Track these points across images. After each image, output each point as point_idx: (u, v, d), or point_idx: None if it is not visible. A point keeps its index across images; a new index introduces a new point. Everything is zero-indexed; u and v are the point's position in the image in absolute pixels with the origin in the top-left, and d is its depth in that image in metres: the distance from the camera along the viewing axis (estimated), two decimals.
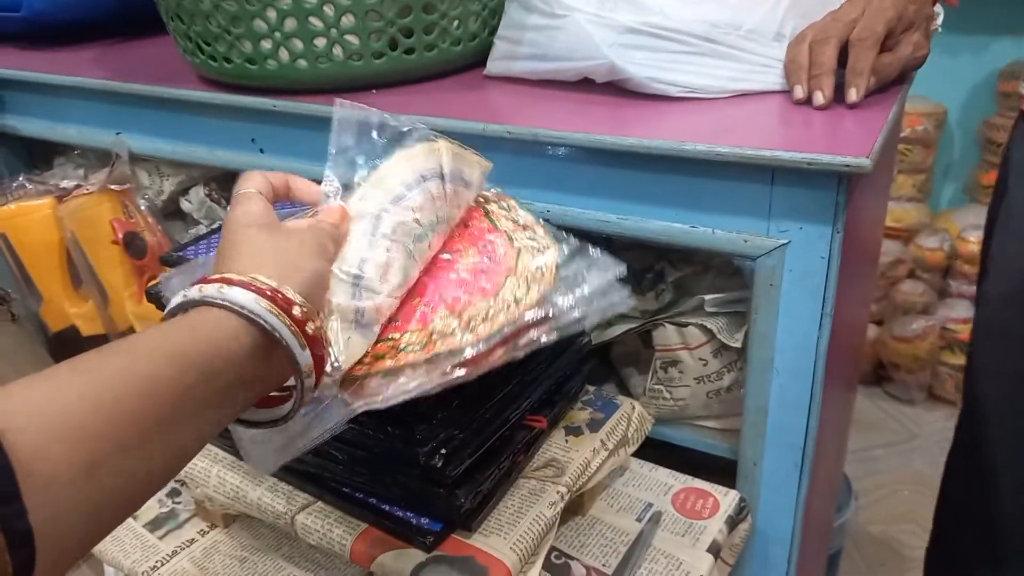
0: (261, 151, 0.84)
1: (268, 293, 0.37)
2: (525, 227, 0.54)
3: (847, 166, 0.54)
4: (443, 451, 0.49)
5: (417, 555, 0.52)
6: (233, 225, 0.42)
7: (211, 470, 0.62)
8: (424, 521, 0.53)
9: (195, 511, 0.71)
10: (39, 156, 1.14)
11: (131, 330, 1.05)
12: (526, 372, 0.57)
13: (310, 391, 0.40)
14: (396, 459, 0.51)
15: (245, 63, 0.75)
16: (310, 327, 0.39)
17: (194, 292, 0.38)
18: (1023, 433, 0.88)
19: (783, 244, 0.61)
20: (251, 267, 0.39)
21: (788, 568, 0.74)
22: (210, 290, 0.37)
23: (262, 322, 0.37)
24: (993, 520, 0.93)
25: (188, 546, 0.67)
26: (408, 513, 0.53)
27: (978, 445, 0.92)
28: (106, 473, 0.30)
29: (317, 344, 0.39)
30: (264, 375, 0.38)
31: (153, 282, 0.61)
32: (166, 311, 0.39)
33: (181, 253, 0.68)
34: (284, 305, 0.38)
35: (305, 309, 0.39)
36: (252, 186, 0.46)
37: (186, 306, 0.38)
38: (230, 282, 0.37)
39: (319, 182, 0.52)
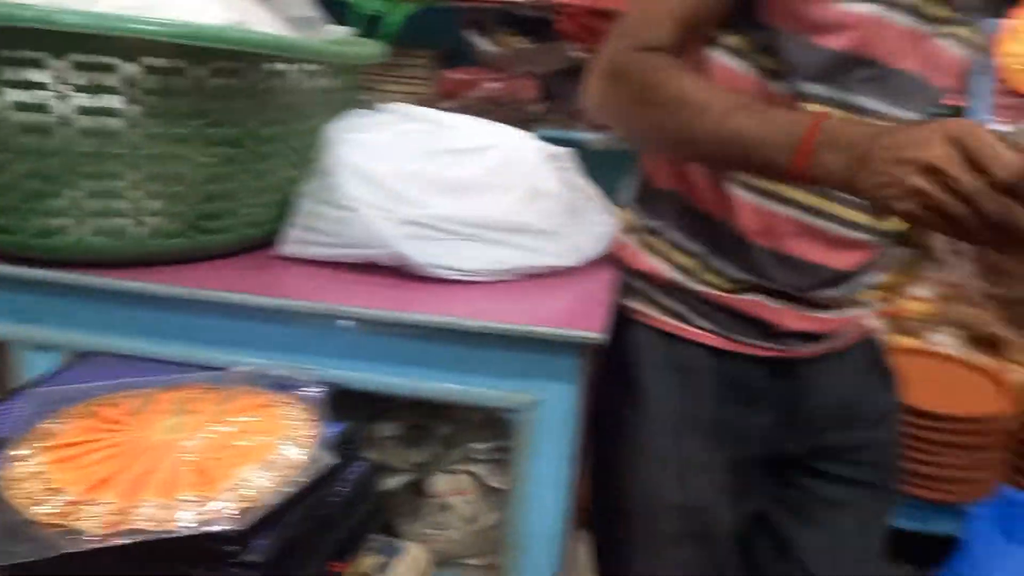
0: (29, 322, 0.83)
1: None
2: None
3: (589, 340, 0.73)
4: None
5: None
6: None
7: None
8: None
9: None
10: None
11: None
12: (328, 521, 0.64)
13: None
14: None
15: (35, 236, 0.77)
16: None
17: None
18: None
19: (538, 400, 0.77)
20: None
21: None
22: None
23: None
24: None
25: None
26: None
27: None
28: None
29: None
30: None
31: None
32: None
33: None
34: None
35: None
36: None
37: None
38: None
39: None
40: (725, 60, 0.83)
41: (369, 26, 1.60)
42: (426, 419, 0.88)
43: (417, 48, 1.81)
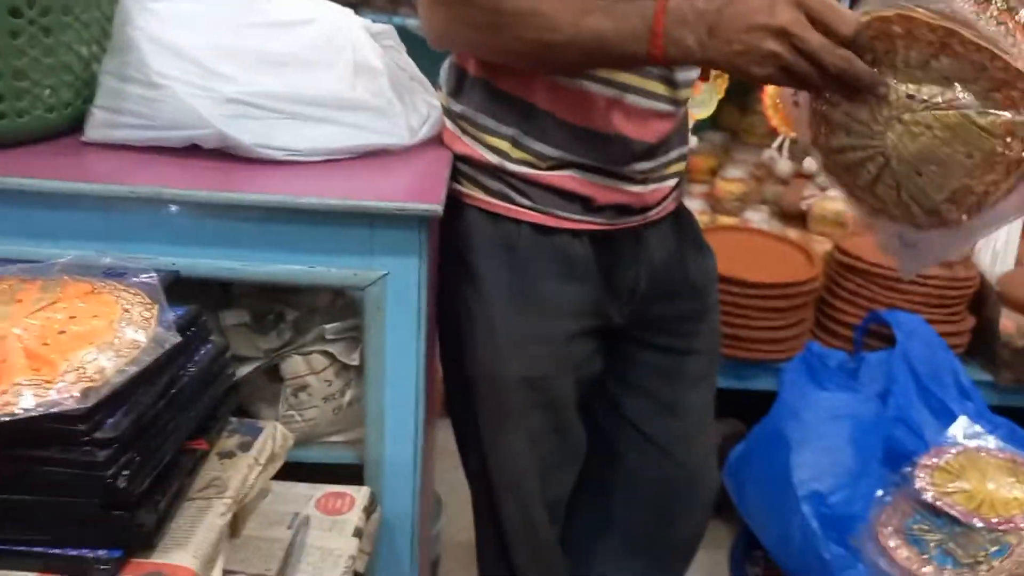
0: None
1: None
2: None
3: (428, 213, 0.73)
4: (124, 472, 0.53)
5: None
6: None
7: None
8: (100, 552, 0.55)
9: None
10: None
11: None
12: (180, 400, 0.62)
13: None
14: (71, 491, 0.53)
15: None
16: None
17: None
18: None
19: (384, 275, 0.77)
20: None
21: (411, 549, 0.89)
22: None
23: None
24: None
25: None
26: (82, 549, 0.55)
27: None
28: None
29: None
30: None
31: None
32: None
33: None
34: None
35: None
36: None
37: None
38: None
39: None
40: None
41: None
42: (273, 305, 0.85)
43: None
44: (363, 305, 0.78)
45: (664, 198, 0.97)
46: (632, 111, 0.86)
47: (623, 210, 0.92)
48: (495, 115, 0.87)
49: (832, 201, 1.99)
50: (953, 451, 1.38)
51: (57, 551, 0.55)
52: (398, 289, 0.77)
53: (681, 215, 1.05)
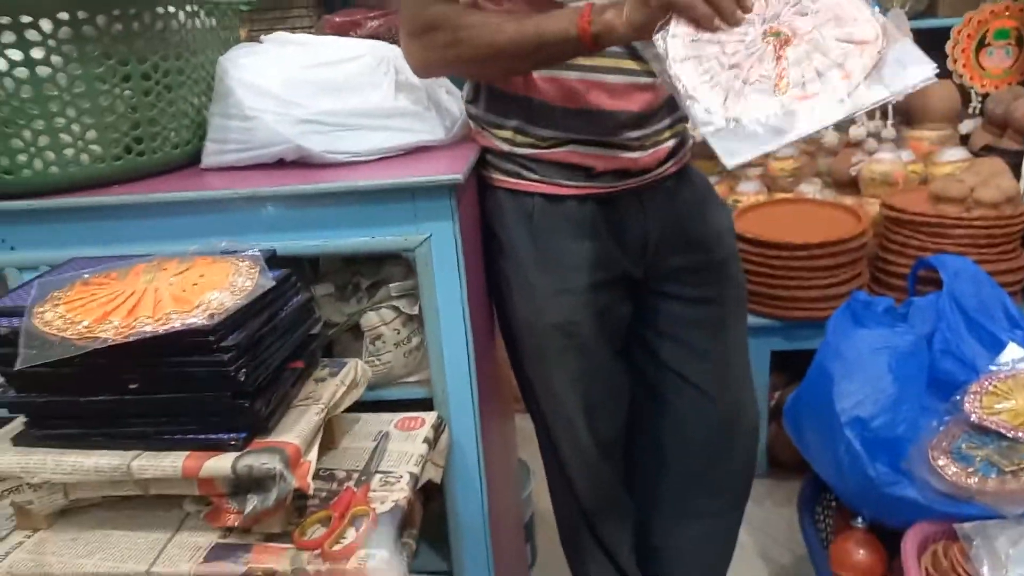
0: (12, 248, 1.01)
1: None
2: None
3: (453, 181, 0.94)
4: (244, 370, 0.75)
5: (233, 455, 0.76)
6: None
7: (46, 458, 0.79)
8: (232, 435, 0.77)
9: (15, 524, 0.84)
10: None
11: None
12: (279, 328, 0.85)
13: None
14: (207, 385, 0.76)
15: (2, 174, 0.95)
16: None
17: None
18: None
19: (428, 237, 0.98)
20: None
21: (478, 465, 1.08)
22: None
23: None
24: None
25: (17, 548, 0.81)
26: (219, 433, 0.78)
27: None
28: None
29: None
30: None
31: None
32: None
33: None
34: None
35: None
36: None
37: None
38: None
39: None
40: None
41: None
42: (351, 276, 1.08)
43: None
44: (415, 265, 0.99)
45: (663, 162, 1.14)
46: (613, 88, 1.03)
47: (622, 174, 1.09)
48: (499, 112, 1.07)
49: (879, 164, 2.07)
50: (1003, 375, 1.44)
51: (201, 436, 0.78)
52: (440, 248, 0.98)
53: (689, 174, 1.20)
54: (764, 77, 0.77)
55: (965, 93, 2.21)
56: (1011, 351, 1.52)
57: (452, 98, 1.18)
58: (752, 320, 1.85)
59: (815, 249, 1.84)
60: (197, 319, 0.74)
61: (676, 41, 0.81)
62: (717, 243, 1.20)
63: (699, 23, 0.80)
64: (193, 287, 0.80)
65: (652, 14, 0.82)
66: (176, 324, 0.74)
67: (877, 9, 0.81)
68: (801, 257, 1.85)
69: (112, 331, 0.73)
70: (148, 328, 0.73)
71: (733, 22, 0.80)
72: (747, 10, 0.80)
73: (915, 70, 0.75)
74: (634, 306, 1.21)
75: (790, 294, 1.87)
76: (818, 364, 1.51)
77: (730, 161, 0.73)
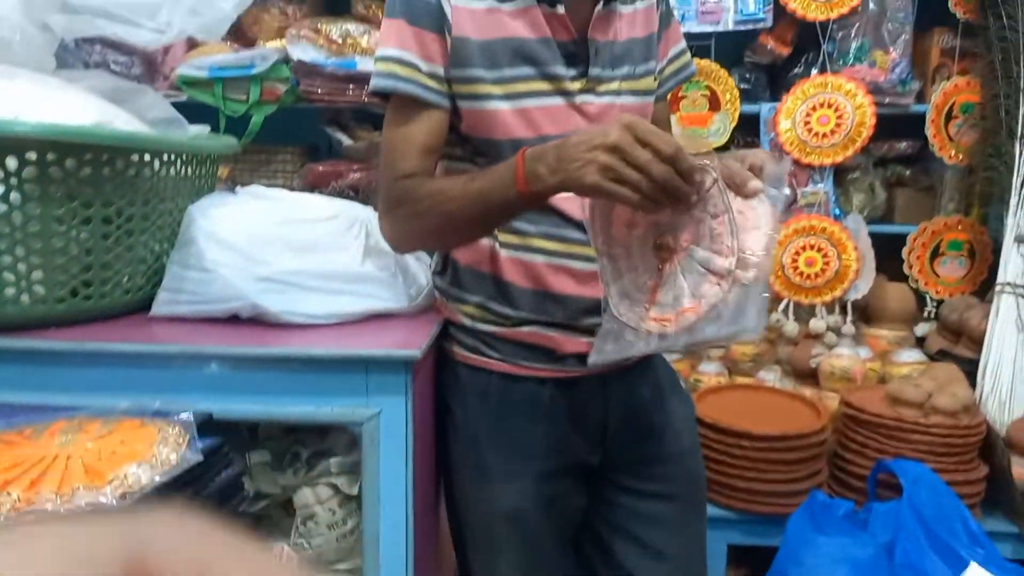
0: None
1: None
2: None
3: (410, 357, 0.90)
4: None
5: None
6: None
7: None
8: None
9: None
10: None
11: None
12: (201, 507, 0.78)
13: None
14: None
15: None
16: None
17: None
18: None
19: (377, 413, 0.93)
20: None
21: None
22: None
23: None
24: None
25: None
26: None
27: None
28: None
29: None
30: None
31: None
32: None
33: None
34: None
35: None
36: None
37: None
38: None
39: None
40: (449, 163, 1.04)
41: (237, 125, 1.79)
42: (290, 445, 1.02)
43: (286, 145, 2.01)
44: (361, 441, 0.93)
45: None
46: (578, 274, 1.03)
47: (585, 359, 1.07)
48: (464, 286, 1.06)
49: (838, 359, 2.09)
50: None
51: None
52: (389, 424, 0.93)
53: (653, 363, 1.18)
54: (644, 288, 0.85)
55: (920, 297, 2.28)
56: (972, 572, 1.47)
57: (420, 265, 1.16)
58: (710, 510, 1.78)
59: (775, 441, 1.81)
60: (105, 498, 0.67)
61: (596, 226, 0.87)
62: (677, 436, 1.17)
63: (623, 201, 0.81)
64: (112, 455, 0.74)
65: (604, 187, 0.81)
66: (81, 503, 0.66)
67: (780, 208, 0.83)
68: (761, 448, 1.81)
69: (9, 505, 0.65)
70: (49, 506, 0.66)
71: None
72: (687, 198, 0.82)
73: (751, 320, 0.78)
74: (588, 498, 1.15)
75: (748, 486, 1.82)
76: (779, 570, 1.44)
77: (594, 358, 0.82)
